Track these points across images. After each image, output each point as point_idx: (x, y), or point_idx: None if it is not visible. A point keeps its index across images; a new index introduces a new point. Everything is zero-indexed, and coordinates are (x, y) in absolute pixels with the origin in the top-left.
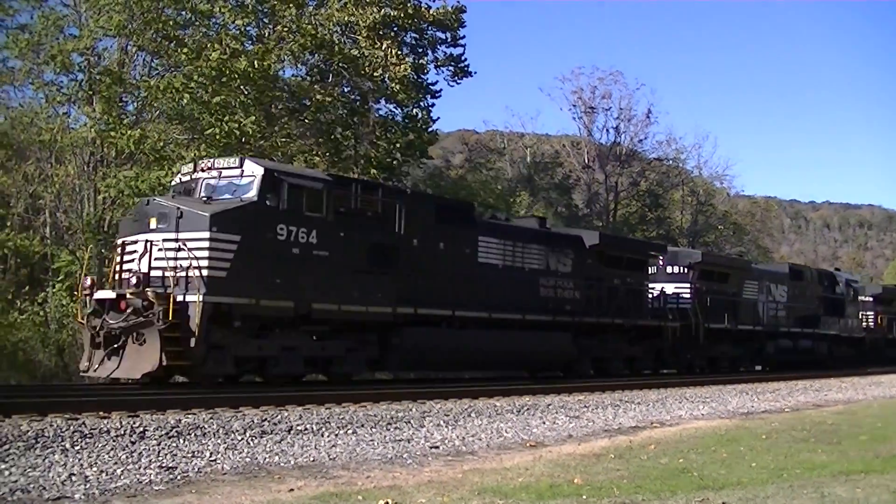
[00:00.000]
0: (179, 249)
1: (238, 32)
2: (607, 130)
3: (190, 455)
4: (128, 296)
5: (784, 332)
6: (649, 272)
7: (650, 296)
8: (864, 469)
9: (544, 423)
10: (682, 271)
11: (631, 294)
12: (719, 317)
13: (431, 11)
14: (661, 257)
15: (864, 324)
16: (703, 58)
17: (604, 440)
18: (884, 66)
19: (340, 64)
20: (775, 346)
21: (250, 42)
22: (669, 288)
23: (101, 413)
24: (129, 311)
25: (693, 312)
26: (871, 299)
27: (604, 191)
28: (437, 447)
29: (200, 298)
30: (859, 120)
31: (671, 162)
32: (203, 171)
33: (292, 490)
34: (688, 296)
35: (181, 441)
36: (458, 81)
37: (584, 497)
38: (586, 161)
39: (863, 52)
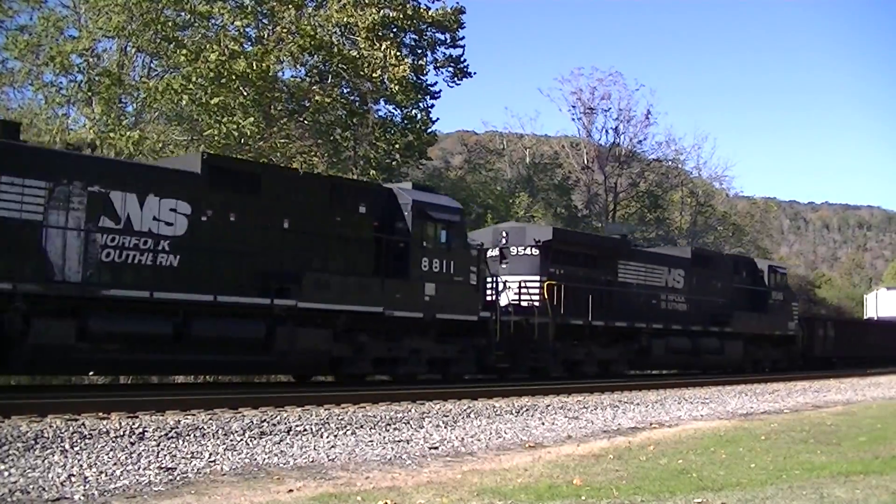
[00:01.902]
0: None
1: (237, 34)
2: (606, 131)
3: (189, 456)
4: None
5: (679, 329)
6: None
7: (488, 284)
8: (864, 470)
9: (543, 423)
10: (529, 252)
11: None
12: (582, 310)
13: (431, 12)
14: (503, 235)
15: (795, 320)
16: (702, 59)
17: (603, 441)
18: (883, 67)
19: (339, 65)
20: (666, 345)
21: (249, 43)
22: (514, 273)
23: (100, 414)
24: None
25: (542, 304)
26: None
27: (603, 192)
28: (436, 448)
29: None
30: (859, 121)
31: (670, 163)
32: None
33: (291, 491)
34: (535, 283)
35: (180, 442)
36: (458, 82)
37: (584, 498)
38: (585, 162)
39: (863, 53)
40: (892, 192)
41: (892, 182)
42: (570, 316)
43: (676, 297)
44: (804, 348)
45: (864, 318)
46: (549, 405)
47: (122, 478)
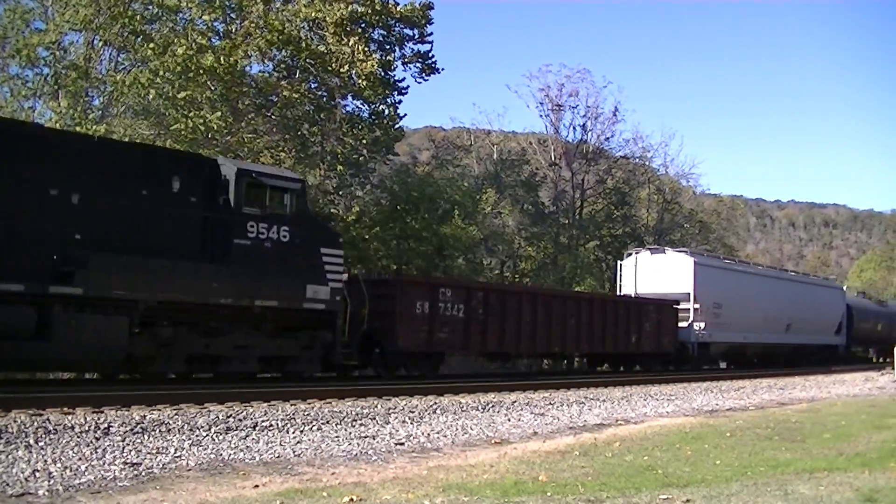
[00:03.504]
0: None
1: (205, 28)
2: (574, 128)
3: (155, 451)
4: None
5: None
6: None
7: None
8: (828, 467)
9: (509, 420)
10: None
11: None
12: None
13: (399, 8)
14: None
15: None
16: (670, 57)
17: (569, 437)
18: (849, 67)
19: (307, 60)
20: None
21: (217, 38)
22: None
23: (65, 409)
24: None
25: None
26: None
27: (570, 188)
28: (402, 444)
29: None
30: (825, 120)
31: (638, 160)
32: None
33: (257, 486)
34: None
35: (146, 437)
36: (426, 78)
37: (549, 494)
38: (553, 158)
39: (829, 52)
40: (858, 191)
41: (858, 181)
42: None
43: None
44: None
45: (619, 294)
46: (515, 401)
47: (86, 473)
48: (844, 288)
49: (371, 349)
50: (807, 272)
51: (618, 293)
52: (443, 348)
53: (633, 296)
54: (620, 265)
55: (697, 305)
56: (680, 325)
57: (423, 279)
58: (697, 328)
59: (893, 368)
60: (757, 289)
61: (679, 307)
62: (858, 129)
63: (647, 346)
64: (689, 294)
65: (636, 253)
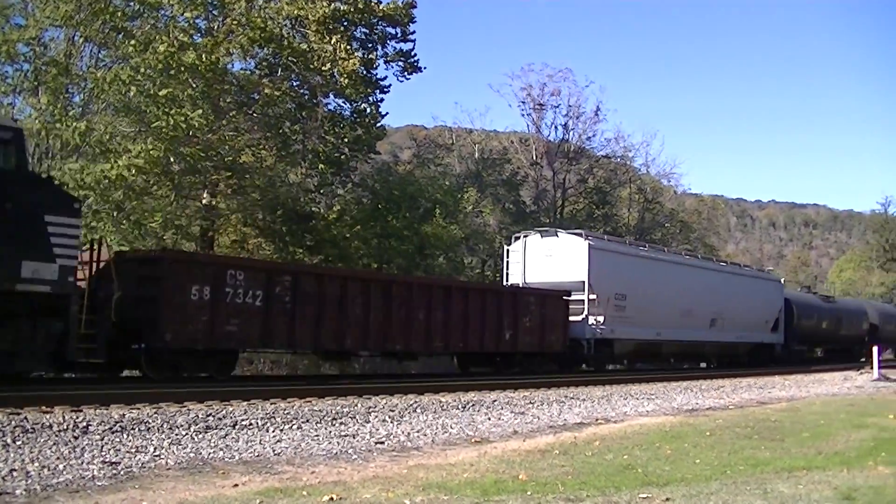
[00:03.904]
0: None
1: (187, 25)
2: (556, 127)
3: (134, 450)
4: None
5: None
6: None
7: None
8: (807, 466)
9: (489, 419)
10: None
11: None
12: None
13: (382, 6)
14: None
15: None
16: (652, 56)
17: (549, 436)
18: (827, 66)
19: (290, 58)
20: None
21: (199, 35)
22: None
23: (43, 408)
24: None
25: None
26: None
27: (551, 188)
28: (382, 443)
29: None
30: (806, 120)
31: (619, 159)
32: None
33: (237, 485)
34: None
35: (125, 436)
36: (408, 77)
37: (529, 493)
38: (534, 158)
39: (809, 53)
40: (838, 192)
41: (838, 181)
42: None
43: None
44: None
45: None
46: (495, 401)
47: (65, 472)
48: (782, 280)
49: (130, 345)
50: (738, 262)
51: (504, 283)
52: (232, 344)
53: (520, 285)
54: (508, 250)
55: (594, 296)
56: (572, 319)
57: (203, 257)
58: (594, 323)
59: (872, 368)
60: (671, 278)
61: (571, 298)
62: (839, 130)
63: (525, 344)
64: (583, 283)
65: (525, 236)
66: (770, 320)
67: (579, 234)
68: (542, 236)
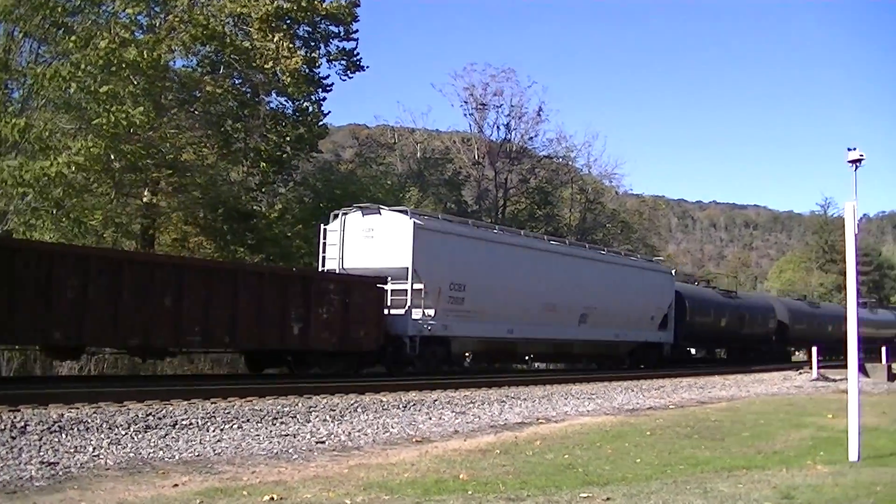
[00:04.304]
0: None
1: (128, 21)
2: (498, 127)
3: (72, 450)
4: None
5: None
6: None
7: None
8: (747, 465)
9: (430, 418)
10: None
11: None
12: None
13: (325, 5)
14: None
15: None
16: (594, 57)
17: (490, 436)
18: (767, 68)
19: (232, 56)
20: None
21: (141, 31)
22: None
23: None
24: None
25: None
26: None
27: (493, 187)
28: (322, 442)
29: None
30: (746, 122)
31: (561, 160)
32: None
33: (177, 485)
34: None
35: (63, 436)
36: (350, 75)
37: (470, 493)
38: (476, 157)
39: (748, 53)
40: (778, 193)
41: (778, 183)
42: None
43: None
44: None
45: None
46: (436, 400)
47: (2, 473)
48: (673, 272)
49: None
50: (618, 251)
51: (321, 268)
52: None
53: (337, 271)
54: (325, 230)
55: (420, 286)
56: (394, 312)
57: None
58: (421, 317)
59: (811, 368)
60: (527, 267)
61: (392, 288)
62: (779, 131)
63: (320, 341)
64: (406, 269)
65: (344, 213)
66: (657, 316)
67: (404, 212)
68: (363, 214)
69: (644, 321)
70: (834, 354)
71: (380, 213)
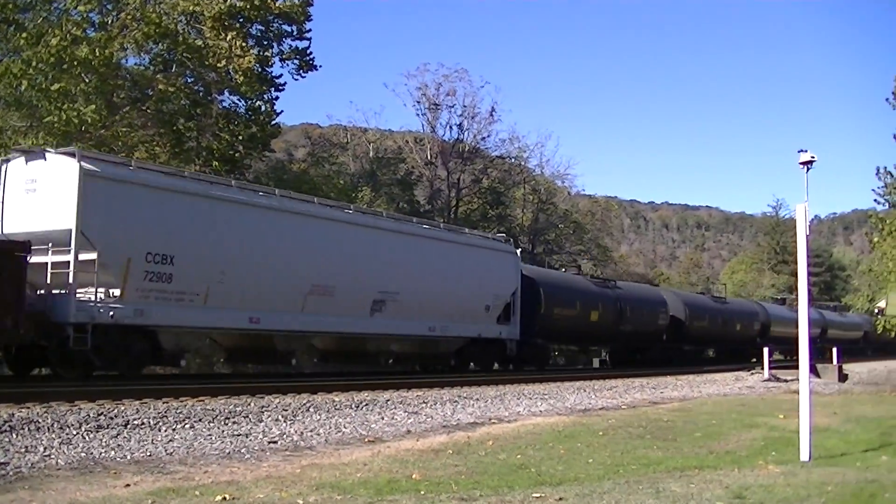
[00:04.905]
0: None
1: (80, 18)
2: (451, 127)
3: (23, 450)
4: None
5: None
6: None
7: None
8: (699, 465)
9: (383, 418)
10: None
11: None
12: None
13: (278, 4)
14: None
15: None
16: (547, 57)
17: (442, 436)
18: (718, 69)
19: (184, 54)
20: None
21: (93, 29)
22: None
23: None
24: None
25: None
26: None
27: (446, 187)
28: (275, 442)
29: None
30: (698, 123)
31: (513, 160)
32: None
33: (128, 485)
34: None
35: (14, 436)
36: (303, 75)
37: (423, 492)
38: (429, 157)
39: (701, 54)
40: (730, 194)
41: (730, 184)
42: None
43: None
44: None
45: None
46: (388, 400)
47: None
48: (518, 252)
49: None
50: (438, 222)
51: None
52: None
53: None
54: None
55: (92, 255)
56: (54, 292)
57: None
58: (96, 300)
59: (763, 368)
60: (281, 236)
61: (51, 259)
62: (731, 133)
63: None
64: (69, 232)
65: (5, 161)
66: (495, 307)
67: (72, 154)
68: (27, 160)
69: (476, 312)
70: (742, 356)
71: (45, 157)
